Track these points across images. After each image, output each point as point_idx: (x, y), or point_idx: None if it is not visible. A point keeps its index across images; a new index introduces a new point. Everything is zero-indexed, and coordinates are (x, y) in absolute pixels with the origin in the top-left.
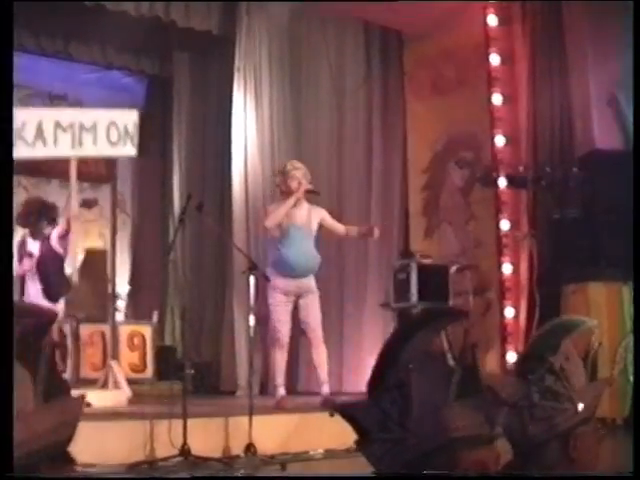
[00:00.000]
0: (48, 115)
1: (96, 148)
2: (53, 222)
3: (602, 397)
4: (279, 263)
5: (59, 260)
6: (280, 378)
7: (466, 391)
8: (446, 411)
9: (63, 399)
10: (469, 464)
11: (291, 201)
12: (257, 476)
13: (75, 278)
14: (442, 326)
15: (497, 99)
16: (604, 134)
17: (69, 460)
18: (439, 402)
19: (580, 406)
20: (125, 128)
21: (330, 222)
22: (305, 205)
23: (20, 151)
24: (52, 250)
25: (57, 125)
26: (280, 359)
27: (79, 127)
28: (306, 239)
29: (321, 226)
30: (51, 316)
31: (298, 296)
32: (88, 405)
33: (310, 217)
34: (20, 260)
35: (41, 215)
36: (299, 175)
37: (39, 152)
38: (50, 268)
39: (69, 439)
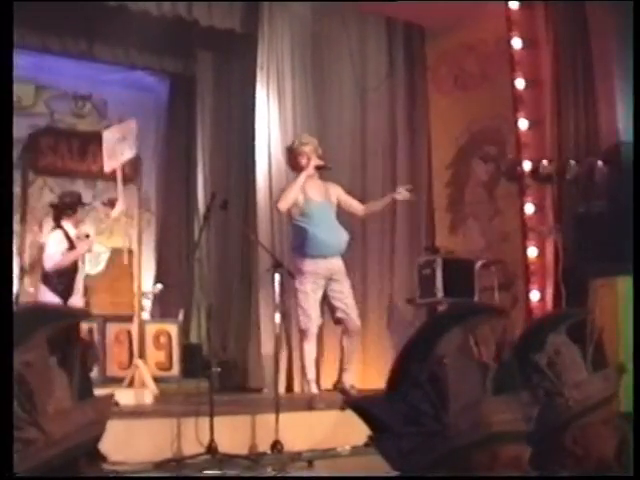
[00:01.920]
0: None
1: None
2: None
3: (620, 387)
4: (306, 243)
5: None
6: (311, 373)
7: (502, 388)
8: (484, 406)
9: (93, 398)
10: (505, 459)
11: (300, 179)
12: (285, 476)
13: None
14: (478, 323)
15: (520, 83)
16: (629, 127)
17: (101, 457)
18: (476, 397)
19: (572, 399)
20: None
21: (346, 199)
22: (319, 182)
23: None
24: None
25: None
26: (310, 351)
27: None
28: (330, 214)
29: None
30: (84, 315)
31: (328, 279)
32: (116, 404)
33: (328, 192)
34: (70, 247)
35: (77, 206)
36: (307, 150)
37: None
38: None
39: (99, 437)
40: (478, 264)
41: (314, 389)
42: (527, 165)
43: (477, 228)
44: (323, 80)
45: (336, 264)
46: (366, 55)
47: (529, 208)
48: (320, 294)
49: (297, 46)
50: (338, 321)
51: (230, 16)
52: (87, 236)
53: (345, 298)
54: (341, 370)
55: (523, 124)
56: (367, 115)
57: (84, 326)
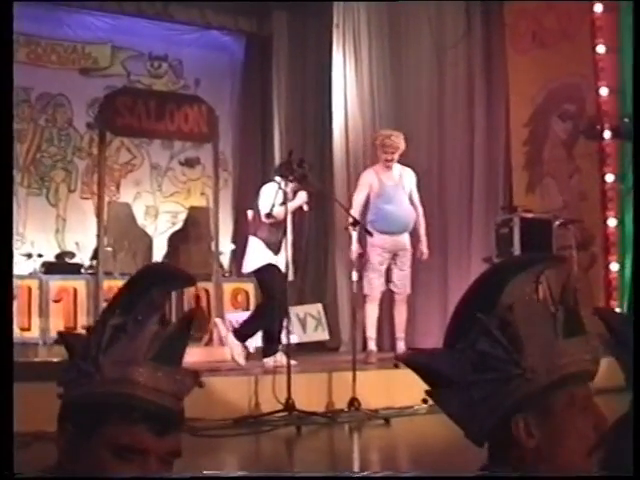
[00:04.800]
0: None
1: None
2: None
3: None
4: (377, 220)
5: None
6: (371, 332)
7: (569, 332)
8: (557, 348)
9: (177, 370)
10: (580, 399)
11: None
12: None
13: None
14: (541, 270)
15: (601, 49)
16: None
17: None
18: (548, 340)
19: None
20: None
21: (414, 194)
22: (397, 166)
23: None
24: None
25: None
26: (372, 313)
27: None
28: (401, 196)
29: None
30: (190, 282)
31: (393, 254)
32: (201, 386)
33: (403, 177)
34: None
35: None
36: (387, 151)
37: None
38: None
39: (173, 410)
40: (556, 223)
41: (372, 346)
42: (607, 123)
43: (555, 187)
44: (399, 38)
45: (401, 241)
46: (443, 13)
47: (608, 167)
48: (385, 265)
49: (373, 4)
50: (391, 291)
51: None
52: (295, 192)
53: (402, 273)
54: (394, 339)
55: (603, 80)
56: (444, 74)
57: None
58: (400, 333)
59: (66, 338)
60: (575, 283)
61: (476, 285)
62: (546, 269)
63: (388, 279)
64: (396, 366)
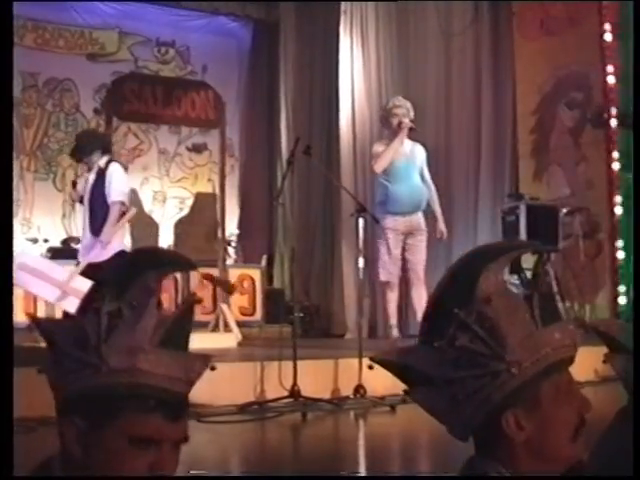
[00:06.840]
0: None
1: None
2: (107, 153)
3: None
4: (388, 201)
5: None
6: (393, 319)
7: (547, 319)
8: (537, 337)
9: (185, 354)
10: (563, 387)
11: (395, 144)
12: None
13: None
14: (510, 258)
15: (608, 36)
16: None
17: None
18: (528, 330)
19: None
20: None
21: (424, 169)
22: (407, 141)
23: None
24: (103, 180)
25: None
26: (392, 300)
27: None
28: (412, 173)
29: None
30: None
31: (407, 235)
32: (213, 369)
33: (414, 152)
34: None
35: (94, 146)
36: (400, 113)
37: None
38: (96, 199)
39: (184, 395)
40: (563, 211)
41: (396, 333)
42: (614, 111)
43: (562, 175)
44: (407, 25)
45: (415, 221)
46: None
47: (615, 155)
48: (400, 248)
49: None
50: (406, 275)
51: None
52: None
53: (417, 253)
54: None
55: (610, 69)
56: (451, 61)
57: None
58: (420, 317)
59: (42, 324)
60: (545, 268)
61: (448, 278)
62: (516, 256)
63: (403, 262)
64: (370, 367)
